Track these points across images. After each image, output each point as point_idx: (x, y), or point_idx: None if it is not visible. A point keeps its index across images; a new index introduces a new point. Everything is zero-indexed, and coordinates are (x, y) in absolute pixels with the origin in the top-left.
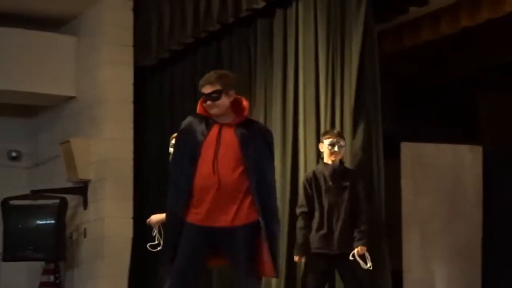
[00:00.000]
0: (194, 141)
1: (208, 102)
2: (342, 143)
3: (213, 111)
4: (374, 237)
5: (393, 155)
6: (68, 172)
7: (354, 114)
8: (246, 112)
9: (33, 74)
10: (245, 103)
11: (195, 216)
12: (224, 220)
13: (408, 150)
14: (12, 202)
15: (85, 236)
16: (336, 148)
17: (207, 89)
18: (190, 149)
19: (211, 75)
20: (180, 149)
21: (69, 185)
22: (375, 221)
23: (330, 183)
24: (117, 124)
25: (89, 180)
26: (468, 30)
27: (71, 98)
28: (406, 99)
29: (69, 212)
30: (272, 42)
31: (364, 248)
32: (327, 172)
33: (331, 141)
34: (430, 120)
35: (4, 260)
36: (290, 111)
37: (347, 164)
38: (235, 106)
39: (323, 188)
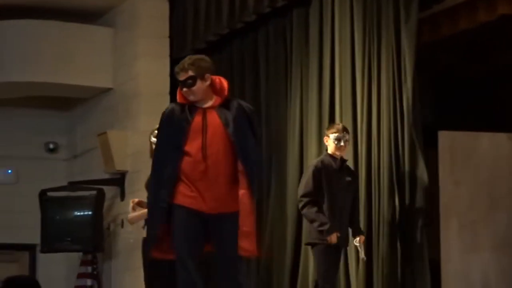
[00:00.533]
0: (178, 129)
1: (184, 89)
2: (347, 137)
3: (191, 98)
4: (413, 227)
5: (430, 145)
6: (105, 164)
7: (391, 103)
8: (226, 92)
9: (70, 67)
10: (224, 83)
11: (187, 199)
12: (216, 206)
13: (445, 139)
14: (50, 194)
15: (122, 227)
16: (342, 143)
17: (181, 76)
18: (175, 137)
19: (185, 61)
20: (164, 138)
21: (106, 176)
22: (414, 211)
23: (337, 176)
24: (153, 116)
25: (126, 172)
26: (506, 18)
27: (108, 90)
28: (443, 88)
29: (106, 204)
30: (308, 31)
31: (363, 238)
32: (334, 165)
33: (337, 136)
34: (468, 109)
35: (42, 251)
36: (326, 101)
37: (384, 151)
38: (215, 87)
39: (334, 180)
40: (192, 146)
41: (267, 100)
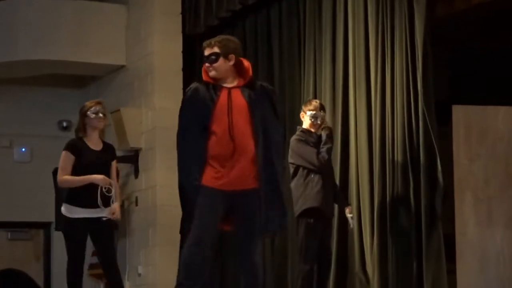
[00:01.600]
0: (203, 108)
1: (206, 64)
2: (323, 115)
3: (211, 73)
4: (427, 202)
5: (446, 120)
6: (119, 141)
7: (405, 78)
8: (250, 73)
9: (84, 44)
10: (246, 63)
11: (215, 180)
12: (244, 183)
13: (460, 113)
14: None
15: (136, 205)
16: (318, 121)
17: (206, 51)
18: (200, 116)
19: (213, 39)
20: (188, 117)
21: (120, 154)
22: (428, 186)
23: (318, 148)
24: (166, 93)
25: (140, 149)
26: None
27: (121, 67)
28: (459, 63)
29: (120, 181)
30: (321, 6)
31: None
32: (312, 140)
33: (314, 113)
34: (484, 84)
35: (57, 229)
36: (339, 76)
37: (398, 126)
38: (240, 69)
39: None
40: (219, 125)
41: (281, 76)
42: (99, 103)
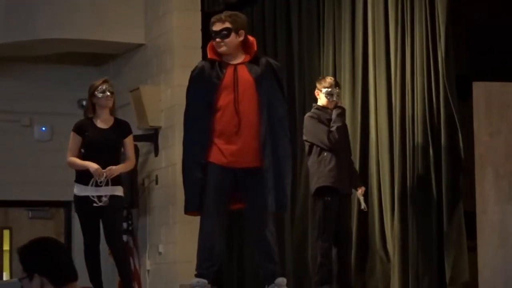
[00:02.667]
0: (209, 86)
1: (217, 39)
2: (339, 91)
3: (222, 49)
4: (447, 178)
5: (466, 96)
6: (139, 119)
7: (425, 55)
8: (255, 48)
9: (102, 23)
10: (251, 39)
11: (221, 157)
12: (250, 160)
13: (480, 89)
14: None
15: (157, 183)
16: (334, 98)
17: (217, 27)
18: (206, 93)
19: (222, 14)
20: (194, 94)
21: (140, 132)
22: (451, 162)
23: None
24: (186, 71)
25: (160, 127)
26: None
27: (140, 45)
28: (479, 39)
29: (140, 159)
30: None
31: (364, 189)
32: (327, 116)
33: (330, 90)
34: (504, 60)
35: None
36: (359, 54)
37: (418, 103)
38: (246, 45)
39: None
40: (225, 101)
41: (300, 54)
42: (105, 81)
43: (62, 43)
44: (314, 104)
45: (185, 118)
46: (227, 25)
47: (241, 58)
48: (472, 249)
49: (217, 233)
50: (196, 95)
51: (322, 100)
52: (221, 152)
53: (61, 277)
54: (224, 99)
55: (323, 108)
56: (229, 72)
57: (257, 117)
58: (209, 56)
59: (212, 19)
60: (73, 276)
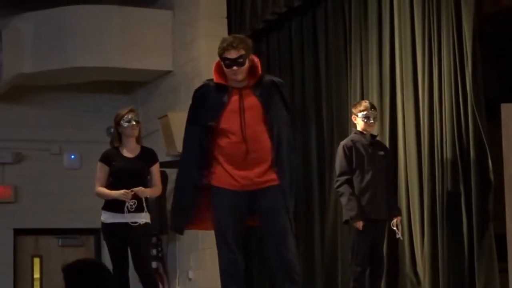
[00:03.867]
0: (212, 109)
1: (234, 68)
2: (376, 114)
3: (239, 77)
4: (478, 201)
5: (494, 117)
6: (167, 146)
7: (452, 77)
8: (259, 70)
9: (130, 50)
10: (256, 60)
11: (231, 182)
12: (259, 183)
13: (509, 111)
14: None
15: None
16: (372, 120)
17: (232, 54)
18: (208, 116)
19: (234, 39)
20: (195, 115)
21: (169, 159)
22: (481, 184)
23: (370, 151)
24: None
25: None
26: None
27: (168, 72)
28: (507, 60)
29: (169, 186)
30: (366, 5)
31: (400, 219)
32: (365, 141)
33: (366, 113)
34: None
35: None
36: (387, 76)
37: (447, 126)
38: (251, 67)
39: (365, 156)
40: (231, 127)
41: (328, 77)
42: (132, 110)
43: (91, 71)
44: (353, 129)
45: (184, 138)
46: (242, 52)
47: (246, 81)
48: (504, 271)
49: (240, 257)
50: (197, 117)
51: (359, 124)
52: (232, 177)
53: None
54: (230, 124)
55: (360, 133)
56: (234, 97)
57: (266, 141)
58: (215, 80)
59: (224, 45)
60: None
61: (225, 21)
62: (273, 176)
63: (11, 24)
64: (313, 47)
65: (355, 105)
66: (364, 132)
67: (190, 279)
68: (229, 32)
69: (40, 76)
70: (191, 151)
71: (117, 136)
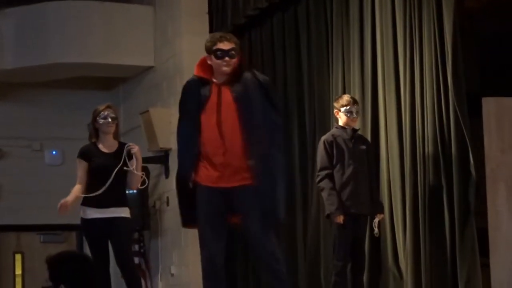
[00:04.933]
0: (196, 104)
1: (226, 59)
2: (358, 108)
3: (228, 69)
4: (459, 196)
5: (477, 111)
6: (149, 142)
7: (434, 72)
8: (239, 66)
9: (112, 46)
10: (242, 59)
11: (209, 179)
12: (237, 179)
13: (490, 105)
14: None
15: (168, 205)
16: (354, 115)
17: (225, 46)
18: (193, 111)
19: (224, 34)
20: (184, 113)
21: (150, 154)
22: (463, 179)
23: (351, 146)
24: None
25: (170, 149)
26: None
27: (149, 68)
28: (489, 55)
29: (151, 182)
30: (348, 2)
31: (382, 216)
32: (346, 135)
33: (349, 108)
34: None
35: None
36: (368, 72)
37: (429, 121)
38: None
39: (346, 151)
40: (209, 123)
41: (309, 72)
42: (109, 107)
43: (73, 67)
44: (335, 124)
45: (177, 133)
46: (234, 45)
47: (226, 76)
48: (485, 266)
49: (217, 253)
50: (185, 112)
51: (342, 119)
52: (208, 173)
53: None
54: (208, 120)
55: (342, 128)
56: (214, 92)
57: (241, 136)
58: (196, 72)
59: (217, 36)
60: None
61: (207, 17)
62: (247, 175)
63: None
64: (295, 42)
65: (337, 100)
66: (346, 127)
67: (172, 275)
68: (211, 28)
69: (21, 73)
70: (183, 146)
71: (94, 132)
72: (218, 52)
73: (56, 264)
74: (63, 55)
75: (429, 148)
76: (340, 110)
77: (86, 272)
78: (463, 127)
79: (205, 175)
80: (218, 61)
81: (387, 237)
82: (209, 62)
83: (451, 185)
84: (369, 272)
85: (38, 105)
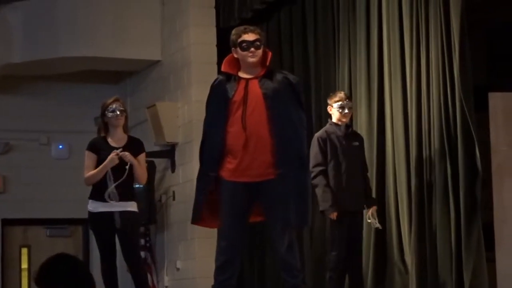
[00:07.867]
0: (223, 100)
1: (252, 49)
2: (350, 104)
3: (254, 59)
4: (465, 189)
5: (483, 105)
6: (156, 136)
7: (440, 66)
8: (268, 62)
9: (121, 40)
10: (268, 52)
11: (232, 173)
12: (263, 174)
13: (497, 100)
14: None
15: (174, 199)
16: (346, 110)
17: (250, 37)
18: (221, 107)
19: (249, 26)
20: (212, 108)
21: (157, 148)
22: (469, 173)
23: (344, 142)
24: (202, 86)
25: (177, 143)
26: None
27: (157, 62)
28: (497, 48)
29: (157, 176)
30: None
31: (375, 208)
32: (339, 132)
33: (341, 104)
34: None
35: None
36: (375, 66)
37: (435, 115)
38: (262, 60)
39: (339, 147)
40: (235, 117)
41: (316, 67)
42: (117, 100)
43: (81, 61)
44: (329, 120)
45: (203, 129)
46: (258, 36)
47: (256, 72)
48: (491, 260)
49: (233, 247)
50: (213, 108)
51: (335, 114)
52: (231, 167)
53: None
54: (234, 114)
55: (335, 124)
56: (241, 86)
57: (267, 131)
58: (223, 69)
59: (242, 28)
60: None
61: (214, 10)
62: (271, 170)
63: (0, 14)
64: (302, 36)
65: (330, 96)
66: (339, 123)
67: (178, 269)
68: (217, 22)
69: (29, 66)
70: (207, 142)
71: (104, 126)
72: (244, 44)
73: (46, 271)
74: (71, 49)
75: (435, 142)
76: (332, 106)
77: (77, 274)
78: (469, 121)
79: (228, 169)
80: (244, 53)
81: (393, 231)
82: (235, 55)
83: (457, 179)
84: (375, 266)
85: (45, 98)
